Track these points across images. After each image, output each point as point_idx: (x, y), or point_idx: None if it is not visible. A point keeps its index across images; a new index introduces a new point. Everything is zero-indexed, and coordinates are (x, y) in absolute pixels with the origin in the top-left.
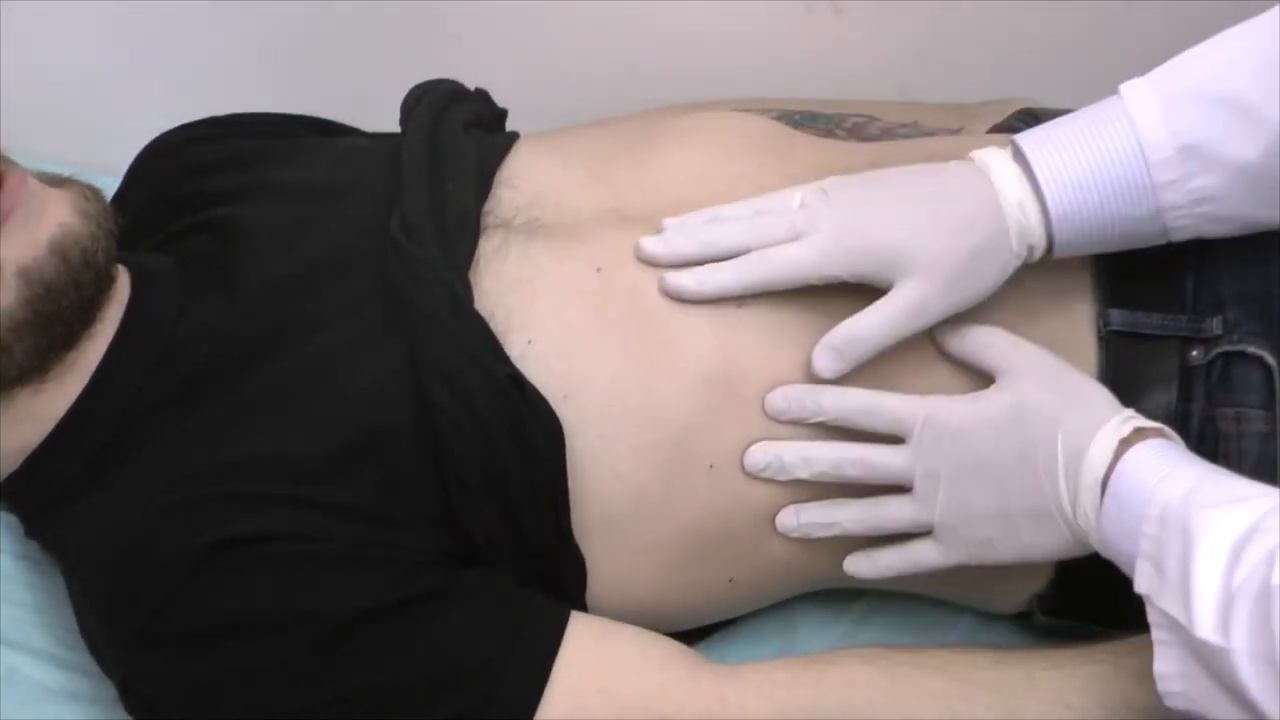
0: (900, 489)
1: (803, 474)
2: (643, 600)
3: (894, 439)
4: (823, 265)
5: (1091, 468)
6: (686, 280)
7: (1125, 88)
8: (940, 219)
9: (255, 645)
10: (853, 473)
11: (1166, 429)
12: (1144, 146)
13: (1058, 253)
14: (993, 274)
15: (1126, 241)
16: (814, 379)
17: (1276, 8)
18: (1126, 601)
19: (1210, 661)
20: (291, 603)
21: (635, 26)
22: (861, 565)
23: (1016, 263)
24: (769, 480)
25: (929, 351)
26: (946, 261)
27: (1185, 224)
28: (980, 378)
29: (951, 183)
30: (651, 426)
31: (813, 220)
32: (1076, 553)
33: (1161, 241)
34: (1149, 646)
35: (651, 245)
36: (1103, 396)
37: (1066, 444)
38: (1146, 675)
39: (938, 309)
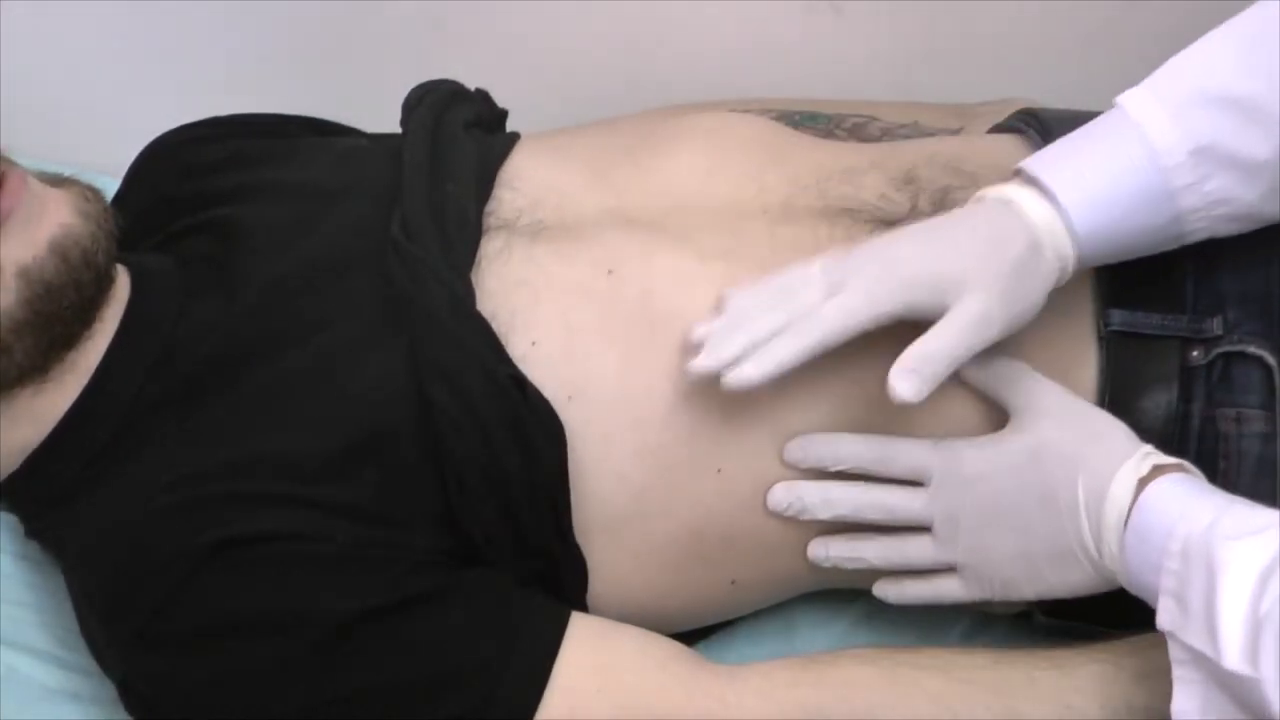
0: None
1: (823, 515)
2: (643, 601)
3: (914, 481)
4: (873, 305)
5: (1114, 507)
6: (749, 371)
7: (1124, 98)
8: (975, 241)
9: (255, 645)
10: (872, 516)
11: (1186, 464)
12: (1157, 153)
13: (1083, 266)
14: (1037, 288)
15: (1144, 249)
16: (897, 405)
17: (1259, 3)
18: (1126, 602)
19: (1238, 693)
20: (291, 603)
21: (635, 27)
22: (890, 592)
23: (1055, 279)
24: (791, 518)
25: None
26: (993, 272)
27: (1202, 226)
28: (994, 410)
29: (970, 215)
30: (656, 429)
31: (842, 276)
32: (1103, 589)
33: (1177, 245)
34: (1149, 646)
35: (702, 364)
36: (1120, 433)
37: (1087, 485)
38: (1146, 675)
39: (1000, 317)
